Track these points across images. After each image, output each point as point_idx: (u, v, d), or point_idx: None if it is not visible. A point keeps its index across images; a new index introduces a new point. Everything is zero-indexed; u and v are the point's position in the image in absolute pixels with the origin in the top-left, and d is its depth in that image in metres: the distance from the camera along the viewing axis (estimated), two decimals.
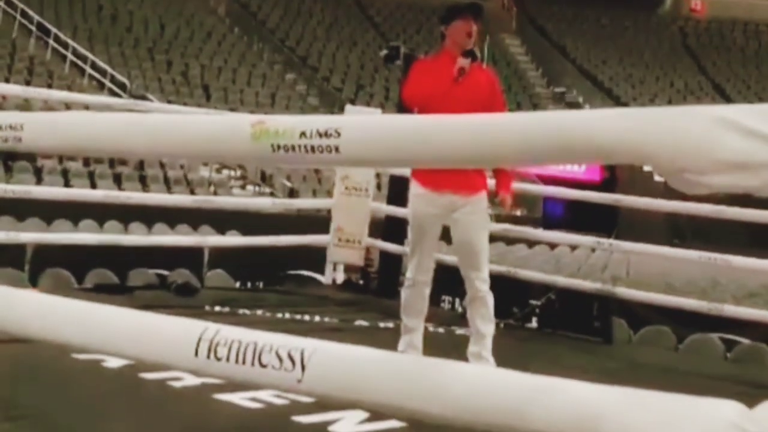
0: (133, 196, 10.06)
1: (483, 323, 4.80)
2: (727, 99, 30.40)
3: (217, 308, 6.53)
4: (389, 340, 4.94)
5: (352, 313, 6.98)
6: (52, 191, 9.58)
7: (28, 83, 17.87)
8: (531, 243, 14.10)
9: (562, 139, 1.89)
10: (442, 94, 4.62)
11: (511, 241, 13.05)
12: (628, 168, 18.59)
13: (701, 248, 7.15)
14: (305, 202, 12.90)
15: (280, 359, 2.08)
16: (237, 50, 25.68)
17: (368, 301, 7.73)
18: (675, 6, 36.49)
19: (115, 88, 20.21)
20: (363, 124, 2.23)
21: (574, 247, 14.00)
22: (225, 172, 17.98)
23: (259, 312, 6.58)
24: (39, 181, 13.92)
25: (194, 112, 7.96)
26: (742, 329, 7.32)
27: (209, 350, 2.16)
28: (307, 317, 6.55)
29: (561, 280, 7.43)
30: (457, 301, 7.96)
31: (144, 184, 15.37)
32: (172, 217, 10.65)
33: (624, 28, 34.48)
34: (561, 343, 6.69)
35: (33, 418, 3.52)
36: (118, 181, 15.03)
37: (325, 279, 8.38)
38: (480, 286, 4.78)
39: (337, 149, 2.11)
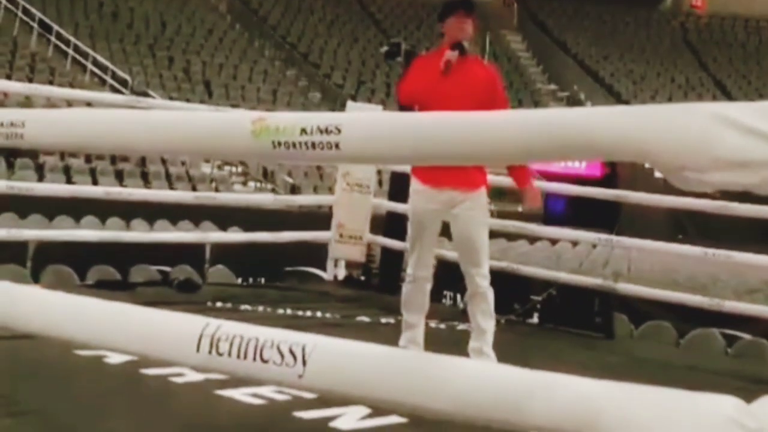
0: (134, 192, 10.10)
1: (483, 319, 4.81)
2: (728, 95, 30.38)
3: (219, 304, 6.55)
4: (390, 336, 4.95)
5: (353, 309, 6.99)
6: (54, 188, 9.59)
7: (30, 80, 17.87)
8: (532, 239, 14.09)
9: (562, 136, 1.89)
10: (433, 90, 4.64)
11: (512, 236, 13.05)
12: (630, 164, 18.55)
13: (703, 244, 7.16)
14: (307, 199, 12.92)
15: (282, 355, 2.09)
16: (238, 47, 25.67)
17: (369, 297, 7.74)
18: (676, 2, 36.46)
19: (116, 85, 20.20)
20: (363, 121, 2.24)
21: (575, 243, 14.00)
22: (227, 168, 17.99)
23: (261, 308, 6.59)
24: (41, 177, 13.91)
25: (196, 109, 7.97)
26: (743, 325, 7.33)
27: (211, 346, 2.17)
28: (308, 313, 6.57)
29: (562, 276, 7.44)
30: (459, 296, 7.97)
31: (146, 180, 15.38)
32: (174, 213, 10.65)
33: (625, 24, 34.45)
34: (562, 339, 6.71)
35: (35, 414, 3.53)
36: (119, 177, 15.04)
37: (326, 275, 8.40)
38: (480, 282, 4.79)
39: (337, 146, 2.12)
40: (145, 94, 17.09)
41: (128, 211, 10.52)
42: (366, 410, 3.62)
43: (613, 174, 20.24)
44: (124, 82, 20.39)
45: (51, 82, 18.25)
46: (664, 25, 35.31)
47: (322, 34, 28.97)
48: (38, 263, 7.76)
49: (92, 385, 4.03)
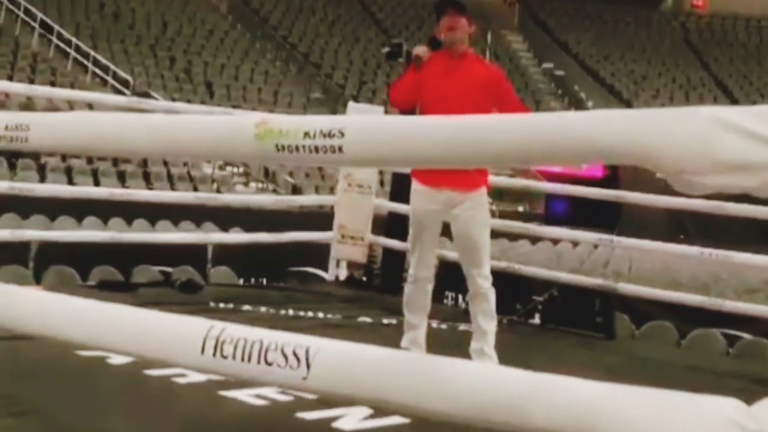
0: (136, 193, 10.11)
1: (485, 320, 4.81)
2: (729, 95, 30.39)
3: (221, 305, 6.56)
4: (392, 337, 4.95)
5: (355, 309, 6.99)
6: (55, 189, 9.61)
7: (31, 81, 17.89)
8: (533, 239, 14.11)
9: (562, 140, 1.91)
10: (431, 90, 4.66)
11: (513, 237, 13.07)
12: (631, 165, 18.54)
13: (704, 244, 7.16)
14: (308, 199, 12.94)
15: (286, 357, 2.10)
16: (239, 47, 25.69)
17: (371, 297, 7.75)
18: (677, 2, 36.47)
19: (118, 85, 20.22)
20: (366, 125, 2.25)
21: (576, 244, 14.01)
22: (228, 169, 18.00)
23: (263, 309, 6.60)
24: (43, 178, 13.93)
25: (198, 110, 7.98)
26: (744, 325, 7.34)
27: (215, 348, 2.18)
28: (310, 314, 6.57)
29: (563, 276, 7.45)
30: (460, 297, 7.98)
31: (147, 181, 15.40)
32: (176, 214, 10.67)
33: (626, 24, 34.46)
34: (563, 339, 6.71)
35: (37, 414, 3.53)
36: (121, 178, 15.05)
37: (328, 276, 8.40)
38: (481, 282, 4.79)
39: (340, 149, 2.13)
40: (147, 95, 17.10)
41: (130, 212, 10.53)
42: (368, 411, 3.63)
43: (614, 174, 20.22)
44: (125, 83, 20.41)
45: (52, 83, 18.28)
46: (665, 24, 35.32)
47: (324, 34, 28.98)
48: (40, 264, 7.77)
49: (94, 386, 4.04)
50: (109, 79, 20.47)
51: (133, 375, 4.04)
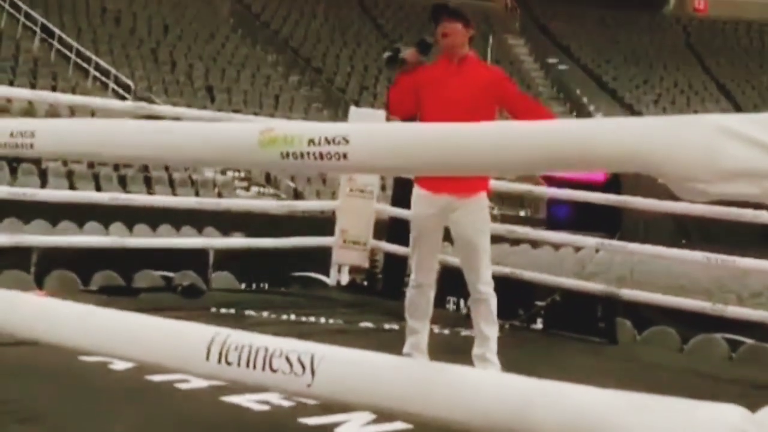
0: (138, 198, 10.12)
1: (486, 325, 4.79)
2: (731, 99, 30.40)
3: (223, 310, 6.56)
4: (394, 342, 4.95)
5: (357, 314, 6.99)
6: (57, 194, 9.63)
7: (32, 85, 17.94)
8: (535, 244, 14.11)
9: (566, 148, 1.91)
10: (432, 95, 4.65)
11: (515, 242, 13.06)
12: None
13: (707, 249, 7.16)
14: (310, 204, 12.93)
15: (291, 364, 2.10)
16: (241, 52, 25.71)
17: (373, 302, 7.74)
18: (678, 5, 36.49)
19: (119, 90, 20.25)
20: (371, 132, 2.26)
21: (578, 248, 14.01)
22: (229, 173, 18.01)
23: (265, 314, 6.59)
24: (44, 183, 13.95)
25: (200, 116, 7.97)
26: (746, 330, 7.33)
27: (220, 355, 2.19)
28: (312, 319, 6.57)
29: (565, 281, 7.44)
30: (462, 302, 7.97)
31: (149, 186, 15.42)
32: (177, 218, 10.68)
33: (628, 28, 34.47)
34: (566, 344, 6.70)
35: (42, 419, 3.54)
36: (123, 183, 15.07)
37: (329, 280, 8.40)
38: (482, 288, 4.77)
39: (345, 156, 2.14)
40: (148, 99, 17.13)
41: (131, 217, 10.55)
42: (371, 416, 3.63)
43: (616, 179, 20.25)
44: (126, 87, 20.44)
45: (54, 87, 18.30)
46: (666, 29, 35.34)
47: (325, 38, 29.01)
48: (42, 269, 7.77)
49: (97, 391, 4.04)
50: (111, 83, 20.50)
51: (136, 380, 4.04)
